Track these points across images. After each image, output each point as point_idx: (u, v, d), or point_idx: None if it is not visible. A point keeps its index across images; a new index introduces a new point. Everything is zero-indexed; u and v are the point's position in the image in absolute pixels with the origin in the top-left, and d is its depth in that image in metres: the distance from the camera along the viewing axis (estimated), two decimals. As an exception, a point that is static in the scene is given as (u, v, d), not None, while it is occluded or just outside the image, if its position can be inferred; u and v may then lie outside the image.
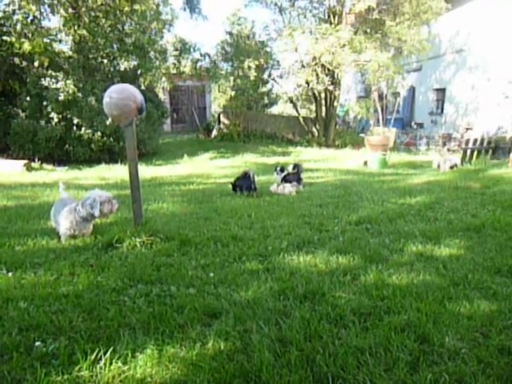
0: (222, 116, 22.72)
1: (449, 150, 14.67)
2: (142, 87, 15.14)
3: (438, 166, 11.25)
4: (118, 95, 4.25)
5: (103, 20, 15.08)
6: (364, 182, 9.14)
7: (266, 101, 29.90)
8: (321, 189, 8.25)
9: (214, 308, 3.01)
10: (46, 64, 14.03)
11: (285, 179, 8.61)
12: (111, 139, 14.71)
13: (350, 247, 4.27)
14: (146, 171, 11.91)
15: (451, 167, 11.02)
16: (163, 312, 2.94)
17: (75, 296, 3.19)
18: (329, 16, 18.51)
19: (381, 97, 18.55)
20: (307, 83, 18.34)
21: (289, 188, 7.92)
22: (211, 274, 3.60)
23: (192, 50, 18.54)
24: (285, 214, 5.81)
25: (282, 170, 8.90)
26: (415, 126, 21.66)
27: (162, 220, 5.42)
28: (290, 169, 8.85)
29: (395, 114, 20.24)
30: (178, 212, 6.14)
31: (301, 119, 21.26)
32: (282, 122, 21.69)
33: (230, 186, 8.18)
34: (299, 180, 8.50)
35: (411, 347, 2.51)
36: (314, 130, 21.32)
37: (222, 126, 22.59)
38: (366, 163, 13.11)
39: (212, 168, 13.21)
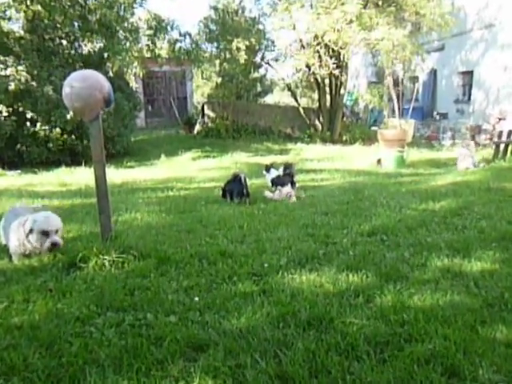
0: (206, 107, 22.76)
1: (477, 143, 14.75)
2: (110, 74, 15.09)
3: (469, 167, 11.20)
4: (81, 84, 4.24)
5: (61, -7, 15.11)
6: (378, 184, 9.19)
7: (259, 89, 30.00)
8: (326, 193, 8.30)
9: (199, 339, 3.00)
10: (-8, 47, 14.01)
11: (274, 182, 8.65)
12: (73, 137, 14.65)
13: (362, 263, 4.30)
14: (115, 175, 11.87)
15: (467, 168, 11.02)
16: (138, 345, 2.93)
17: (31, 327, 3.17)
18: (333, -14, 18.73)
19: (396, 82, 18.68)
20: (308, 67, 18.44)
21: (287, 189, 7.93)
22: (196, 299, 3.61)
23: (169, 28, 18.51)
24: (283, 225, 5.83)
25: (268, 170, 9.01)
26: (438, 117, 21.82)
27: (135, 234, 5.43)
28: (280, 171, 8.92)
29: (413, 102, 20.34)
30: (155, 224, 6.15)
31: (301, 110, 21.38)
32: (278, 114, 21.77)
33: (220, 191, 8.20)
34: (292, 184, 8.53)
35: (438, 382, 2.50)
36: (316, 122, 21.46)
37: (206, 119, 22.63)
38: (379, 162, 13.18)
39: (195, 170, 13.27)
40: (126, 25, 15.95)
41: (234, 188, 8.05)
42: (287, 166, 8.93)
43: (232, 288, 3.81)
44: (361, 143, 19.04)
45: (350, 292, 3.65)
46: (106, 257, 4.32)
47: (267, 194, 8.34)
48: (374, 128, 21.16)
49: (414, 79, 23.28)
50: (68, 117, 13.74)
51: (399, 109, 17.68)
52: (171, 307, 3.46)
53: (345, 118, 22.75)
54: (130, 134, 18.10)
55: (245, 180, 8.05)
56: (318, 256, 4.55)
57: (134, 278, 4.04)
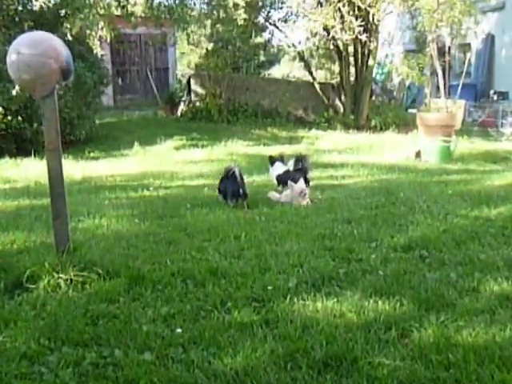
0: (193, 82, 22.55)
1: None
2: (68, 37, 15.06)
3: None
4: (31, 50, 4.25)
5: None
6: (416, 183, 9.28)
7: (263, 58, 29.97)
8: (349, 195, 8.38)
9: (183, 383, 3.01)
10: None
11: (280, 180, 8.74)
12: (19, 119, 14.65)
13: (395, 286, 4.33)
14: (74, 168, 11.83)
15: None
16: (103, 390, 3.00)
17: (-37, 367, 3.20)
18: None
19: (441, 51, 18.64)
20: (326, 30, 18.36)
21: (300, 186, 7.92)
22: (178, 330, 3.63)
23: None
24: (293, 235, 5.87)
25: (273, 163, 9.07)
26: (495, 97, 21.73)
27: (100, 245, 5.45)
28: (290, 165, 8.99)
29: (464, 77, 20.29)
30: (126, 233, 6.20)
31: (317, 86, 21.26)
32: (287, 91, 21.59)
33: (217, 192, 8.20)
34: (305, 182, 8.51)
35: None
36: (337, 103, 21.33)
37: (193, 97, 22.44)
38: (418, 155, 13.16)
39: (179, 163, 13.31)
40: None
41: (228, 187, 8.07)
42: (299, 159, 8.94)
43: (225, 317, 3.82)
44: (394, 130, 18.95)
45: (379, 324, 3.67)
46: (61, 275, 4.33)
47: (272, 194, 8.36)
48: (411, 111, 21.04)
49: (465, 47, 23.23)
50: (13, 92, 13.72)
51: (445, 86, 17.55)
52: (146, 341, 3.47)
53: (374, 97, 22.62)
54: (94, 115, 17.96)
55: (240, 176, 8.05)
56: (337, 276, 4.58)
57: (97, 303, 4.03)
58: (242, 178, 8.14)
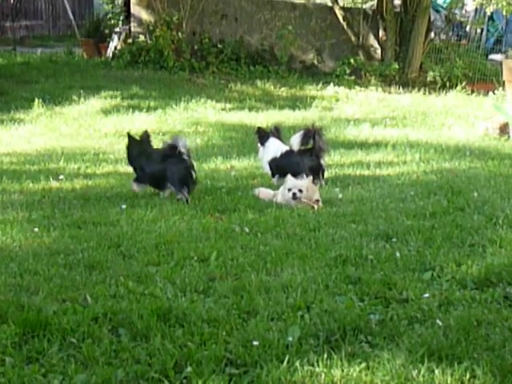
0: (134, 1, 22.41)
1: None
2: None
3: None
4: None
5: None
6: (501, 177, 9.44)
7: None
8: (388, 194, 8.49)
9: None
10: None
11: (276, 166, 8.86)
12: None
13: (463, 345, 4.39)
14: None
15: None
16: None
17: None
18: None
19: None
20: None
21: (293, 184, 7.83)
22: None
23: None
24: (296, 258, 6.09)
25: (264, 140, 9.47)
26: None
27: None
28: (294, 141, 9.19)
29: None
30: (18, 249, 6.34)
31: (339, 14, 21.23)
32: (289, 22, 21.71)
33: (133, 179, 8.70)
34: (318, 170, 8.45)
35: None
36: (372, 42, 21.36)
37: (134, 26, 22.11)
38: (504, 130, 13.16)
39: (109, 136, 13.57)
40: None
41: (170, 170, 8.43)
42: (309, 134, 8.86)
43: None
44: (465, 89, 19.03)
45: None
46: None
47: (262, 191, 8.28)
48: (494, 57, 21.13)
49: None
50: None
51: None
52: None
53: (433, 35, 22.65)
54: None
55: (188, 154, 8.36)
56: (367, 327, 4.70)
57: None
58: (189, 155, 8.63)
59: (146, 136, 8.29)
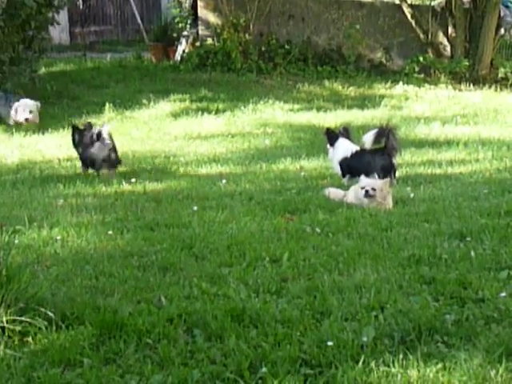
0: (202, 5, 22.01)
1: None
2: None
3: None
4: None
5: None
6: None
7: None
8: (461, 193, 8.51)
9: None
10: None
11: (347, 167, 8.92)
12: None
13: None
14: (6, 147, 11.96)
15: None
16: None
17: None
18: None
19: None
20: None
21: (368, 184, 7.70)
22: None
23: None
24: (369, 258, 6.07)
25: (334, 141, 9.34)
26: None
27: (51, 273, 5.61)
28: (366, 140, 9.16)
29: None
30: (93, 252, 6.38)
31: (407, 12, 20.99)
32: (357, 21, 21.59)
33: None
34: (391, 171, 8.45)
35: None
36: (441, 39, 21.12)
37: (202, 30, 22.27)
38: None
39: (179, 139, 13.52)
40: None
41: (95, 152, 9.49)
42: (382, 133, 8.76)
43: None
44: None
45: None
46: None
47: (332, 191, 8.19)
48: None
49: None
50: None
51: None
52: None
53: (503, 31, 22.42)
54: (39, 59, 18.01)
55: (111, 138, 9.45)
56: (443, 327, 4.66)
57: (47, 368, 4.10)
58: (111, 138, 9.75)
59: (87, 126, 8.85)
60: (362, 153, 8.70)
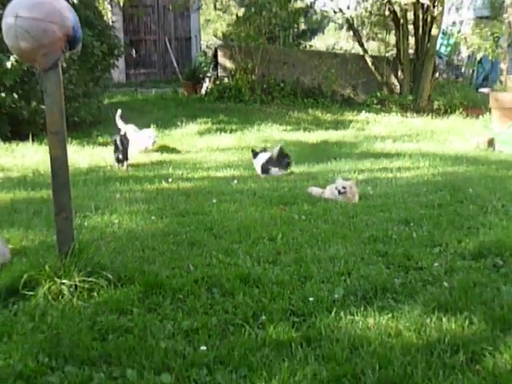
0: (221, 54, 22.54)
1: None
2: (74, 0, 15.24)
3: None
4: (32, 13, 4.25)
5: None
6: (489, 178, 9.25)
7: (304, 26, 29.83)
8: (406, 191, 8.42)
9: (207, 410, 3.11)
10: None
11: (264, 168, 10.09)
12: (15, 96, 14.83)
13: (462, 301, 4.35)
14: (80, 155, 11.97)
15: None
16: (113, 418, 3.07)
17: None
18: None
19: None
20: (381, -7, 18.32)
21: (344, 185, 7.94)
22: (202, 348, 3.68)
23: None
24: (340, 237, 5.98)
25: (256, 155, 10.31)
26: None
27: (110, 246, 5.55)
28: (274, 154, 10.19)
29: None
30: (141, 231, 6.32)
31: (369, 61, 21.21)
32: (332, 67, 21.60)
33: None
34: (287, 166, 10.18)
35: None
36: (392, 80, 21.26)
37: (220, 72, 22.47)
38: (491, 143, 13.03)
39: (203, 150, 13.50)
40: None
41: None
42: (281, 151, 10.22)
43: (258, 333, 3.88)
44: (462, 113, 18.81)
45: (443, 346, 3.68)
46: (64, 280, 4.38)
47: (313, 189, 8.35)
48: (483, 90, 20.83)
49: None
50: (8, 64, 13.90)
51: (526, 60, 17.42)
52: (164, 360, 3.51)
53: (437, 74, 22.46)
54: (103, 93, 18.07)
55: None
56: (392, 288, 4.63)
57: (107, 315, 4.10)
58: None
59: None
60: (272, 159, 9.41)
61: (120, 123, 11.88)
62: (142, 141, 12.10)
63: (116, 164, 10.70)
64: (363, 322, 3.99)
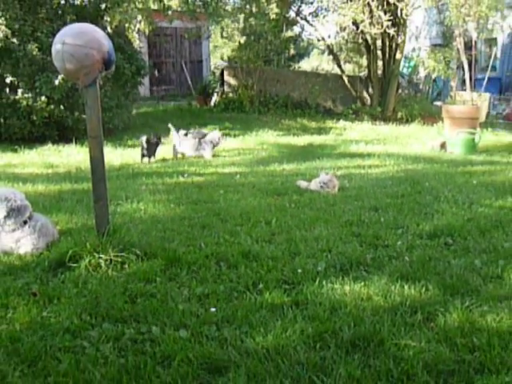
0: (226, 73, 22.64)
1: None
2: (108, 30, 15.16)
3: None
4: (75, 40, 4.28)
5: None
6: (441, 174, 9.22)
7: (293, 51, 29.77)
8: (376, 184, 8.35)
9: (216, 359, 3.06)
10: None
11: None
12: (61, 107, 14.76)
13: (420, 272, 4.35)
14: (113, 155, 12.00)
15: None
16: (141, 364, 2.99)
17: (10, 339, 3.25)
18: None
19: (468, 45, 18.33)
20: (355, 24, 18.21)
21: (327, 179, 7.93)
22: (212, 310, 3.70)
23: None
24: (322, 221, 5.94)
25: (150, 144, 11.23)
26: (520, 90, 21.35)
27: (137, 228, 5.54)
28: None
29: (489, 71, 19.98)
30: (162, 216, 6.30)
31: (345, 79, 21.16)
32: (316, 84, 21.56)
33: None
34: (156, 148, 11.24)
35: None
36: (364, 95, 21.28)
37: (226, 88, 22.55)
38: (443, 146, 13.02)
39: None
40: (128, -32, 15.96)
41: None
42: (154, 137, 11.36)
43: (257, 298, 3.88)
44: (420, 122, 18.78)
45: (405, 307, 3.69)
46: (101, 255, 4.41)
47: (301, 183, 8.34)
48: (437, 103, 20.80)
49: (491, 42, 22.75)
50: (56, 82, 13.85)
51: (471, 79, 17.22)
52: (182, 319, 3.54)
53: (400, 90, 22.42)
54: (132, 105, 18.10)
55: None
56: (364, 261, 4.63)
57: (136, 283, 4.13)
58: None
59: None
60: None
61: (174, 132, 11.86)
62: (217, 141, 12.12)
63: (142, 159, 11.04)
64: (341, 289, 3.99)
